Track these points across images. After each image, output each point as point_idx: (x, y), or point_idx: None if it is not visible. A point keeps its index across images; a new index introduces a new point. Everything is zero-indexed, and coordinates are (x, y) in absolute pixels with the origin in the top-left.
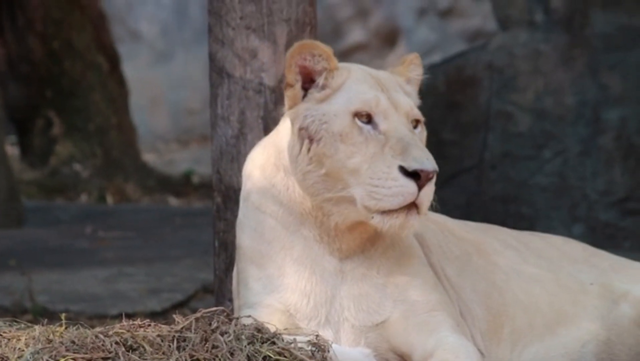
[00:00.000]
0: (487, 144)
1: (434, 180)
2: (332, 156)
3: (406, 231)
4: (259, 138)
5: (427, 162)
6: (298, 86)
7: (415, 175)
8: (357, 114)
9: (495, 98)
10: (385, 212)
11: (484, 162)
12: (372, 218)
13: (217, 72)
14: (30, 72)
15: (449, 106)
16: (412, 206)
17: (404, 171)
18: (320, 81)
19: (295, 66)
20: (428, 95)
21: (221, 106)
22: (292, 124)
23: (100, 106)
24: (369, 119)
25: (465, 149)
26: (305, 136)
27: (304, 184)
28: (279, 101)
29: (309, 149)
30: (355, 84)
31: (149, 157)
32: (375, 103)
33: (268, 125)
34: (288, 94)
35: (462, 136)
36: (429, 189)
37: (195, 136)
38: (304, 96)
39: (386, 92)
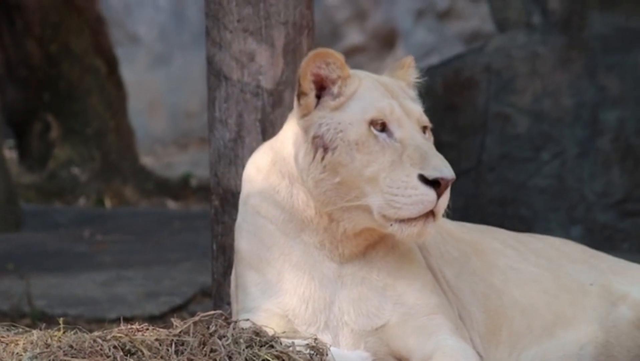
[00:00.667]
0: (485, 146)
1: (449, 187)
2: (347, 164)
3: (423, 238)
4: (257, 141)
5: (446, 170)
6: (312, 94)
7: (434, 183)
8: (372, 123)
9: (493, 100)
10: (403, 220)
11: (482, 164)
12: (390, 226)
13: (215, 75)
14: (28, 76)
15: (447, 108)
16: (430, 213)
17: (423, 179)
18: (334, 89)
19: (310, 74)
20: (426, 97)
21: (219, 109)
22: (305, 132)
23: (98, 109)
24: (383, 127)
25: (463, 152)
26: (320, 144)
27: (315, 192)
28: (276, 103)
29: (322, 158)
30: (368, 92)
31: (147, 161)
32: (390, 111)
33: (266, 128)
34: (302, 103)
35: (460, 138)
36: (446, 196)
37: (194, 139)
38: (316, 104)
39: (396, 99)
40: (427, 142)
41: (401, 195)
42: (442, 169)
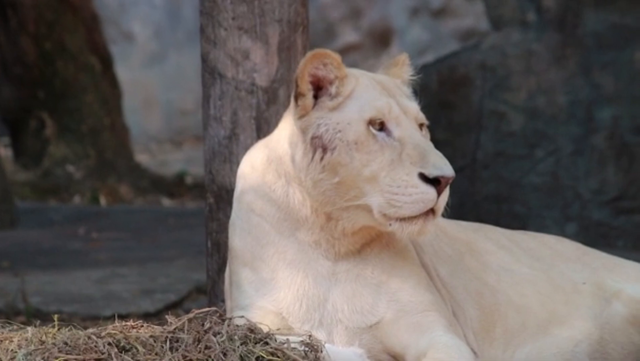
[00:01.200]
0: (479, 144)
1: (449, 184)
2: (347, 164)
3: (423, 236)
4: (252, 139)
5: (446, 168)
6: (310, 95)
7: (434, 181)
8: (370, 122)
9: (487, 98)
10: (404, 219)
11: (477, 162)
12: (390, 225)
13: (210, 72)
14: (23, 74)
15: (442, 106)
16: (430, 211)
17: (423, 177)
18: (332, 89)
19: (308, 75)
20: (421, 95)
21: (213, 106)
22: (304, 132)
23: (93, 107)
24: (381, 126)
25: (457, 149)
26: (319, 144)
27: (313, 192)
28: (271, 101)
29: (321, 158)
30: (365, 91)
31: (142, 158)
32: (388, 110)
33: (260, 125)
34: (300, 104)
35: (455, 135)
36: (446, 194)
37: (189, 136)
38: (314, 104)
39: (393, 98)
40: (425, 140)
41: (401, 194)
42: (442, 167)
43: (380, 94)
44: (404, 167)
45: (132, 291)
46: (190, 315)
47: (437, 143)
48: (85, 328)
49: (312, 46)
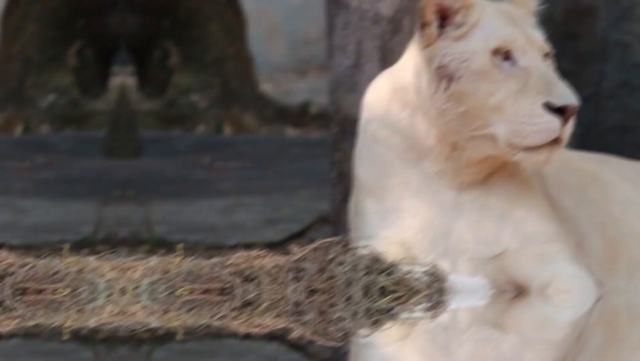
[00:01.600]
0: (604, 74)
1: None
2: (472, 94)
3: (548, 166)
4: (376, 68)
5: (571, 97)
6: (435, 24)
7: (559, 111)
8: (496, 51)
9: (612, 28)
10: (529, 148)
11: (601, 92)
12: (515, 155)
13: (334, 2)
14: (147, 2)
15: (567, 36)
16: (555, 141)
17: (549, 107)
18: (457, 19)
19: (433, 4)
20: (545, 25)
21: (338, 36)
22: (429, 62)
23: (218, 37)
24: (507, 55)
25: (582, 79)
26: (444, 74)
27: (438, 122)
28: (395, 31)
29: (447, 88)
30: (491, 21)
31: (266, 88)
32: (514, 39)
33: (385, 55)
34: (424, 33)
35: (580, 66)
36: (571, 124)
37: (313, 66)
38: (439, 34)
39: (519, 28)
40: (550, 70)
41: (527, 123)
42: (568, 96)
43: (506, 24)
44: (529, 97)
45: (256, 221)
46: (315, 245)
47: (562, 73)
48: (209, 257)
49: None
